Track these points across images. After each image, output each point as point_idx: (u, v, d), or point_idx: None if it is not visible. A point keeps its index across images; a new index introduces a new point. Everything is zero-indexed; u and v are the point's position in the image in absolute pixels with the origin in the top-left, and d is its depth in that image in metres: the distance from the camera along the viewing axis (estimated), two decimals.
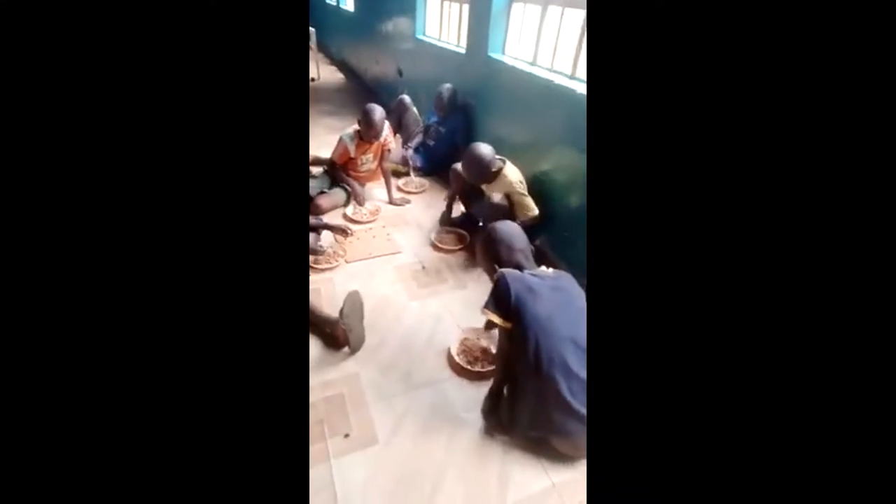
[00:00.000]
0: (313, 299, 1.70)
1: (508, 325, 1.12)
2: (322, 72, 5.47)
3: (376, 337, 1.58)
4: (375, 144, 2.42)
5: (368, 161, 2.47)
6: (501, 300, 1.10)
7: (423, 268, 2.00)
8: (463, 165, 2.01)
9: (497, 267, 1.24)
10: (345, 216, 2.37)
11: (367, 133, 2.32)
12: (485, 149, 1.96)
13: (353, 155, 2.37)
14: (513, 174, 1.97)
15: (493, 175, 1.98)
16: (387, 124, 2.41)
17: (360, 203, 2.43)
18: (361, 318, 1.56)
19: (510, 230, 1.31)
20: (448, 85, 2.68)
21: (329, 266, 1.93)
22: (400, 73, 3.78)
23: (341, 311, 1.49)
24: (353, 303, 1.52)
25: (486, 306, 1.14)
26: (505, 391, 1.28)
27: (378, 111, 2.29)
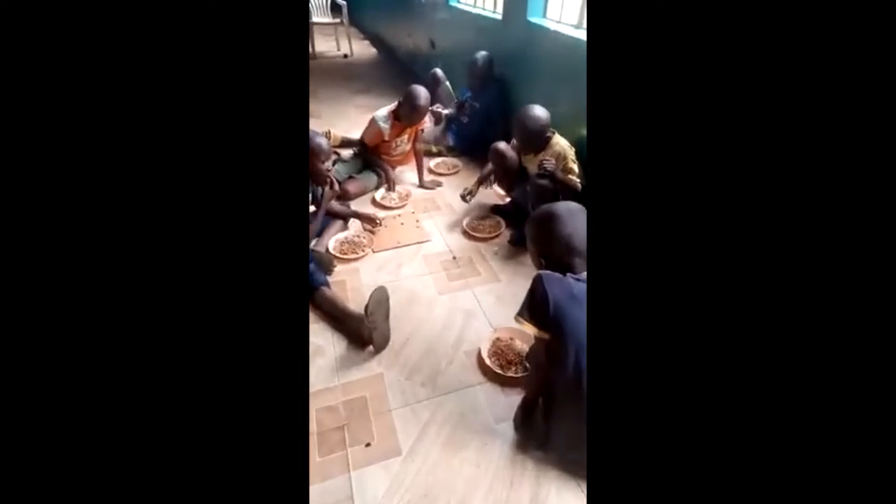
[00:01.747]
0: (337, 292, 1.63)
1: (546, 335, 0.98)
2: (355, 47, 5.33)
3: (402, 334, 1.48)
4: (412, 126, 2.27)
5: (403, 143, 2.34)
6: (538, 308, 0.96)
7: (455, 258, 1.87)
8: (516, 130, 1.81)
9: (542, 262, 1.08)
10: (374, 201, 2.27)
11: (409, 117, 2.17)
12: (541, 111, 1.77)
13: (387, 138, 2.23)
14: (563, 141, 1.78)
15: (545, 142, 1.79)
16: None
17: (392, 188, 2.31)
18: (387, 315, 1.47)
19: (574, 221, 1.06)
20: (483, 53, 2.46)
21: (356, 256, 1.84)
22: (433, 44, 3.57)
23: (366, 308, 1.40)
24: (379, 299, 1.43)
25: (521, 314, 1.00)
26: (540, 402, 1.15)
27: (423, 94, 2.13)
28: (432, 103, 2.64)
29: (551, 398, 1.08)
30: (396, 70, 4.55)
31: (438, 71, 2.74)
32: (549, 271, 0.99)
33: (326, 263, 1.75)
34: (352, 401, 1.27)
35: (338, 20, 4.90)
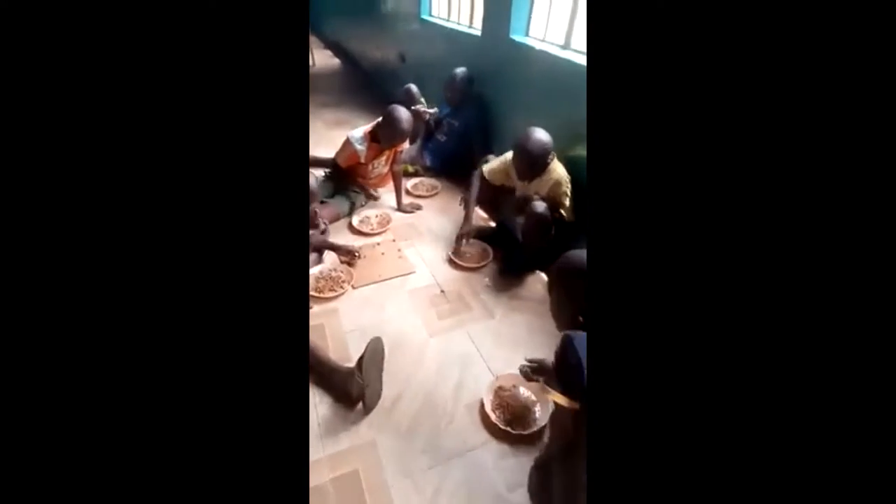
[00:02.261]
0: (316, 340, 1.44)
1: (576, 405, 0.86)
2: (317, 57, 5.10)
3: (393, 388, 1.32)
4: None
5: (380, 166, 2.18)
6: (571, 377, 0.84)
7: (443, 292, 1.72)
8: (518, 154, 1.65)
9: (580, 320, 0.95)
10: (350, 227, 2.09)
11: (389, 140, 2.01)
12: (544, 135, 1.63)
13: (363, 160, 2.06)
14: (561, 168, 1.68)
15: (545, 167, 1.67)
16: None
17: (371, 196, 2.17)
18: (381, 370, 1.30)
19: None
20: (462, 69, 2.35)
21: (334, 294, 1.66)
22: (403, 58, 3.44)
23: (359, 363, 1.23)
24: (375, 353, 1.26)
25: (549, 382, 0.88)
26: (555, 464, 1.03)
27: (405, 117, 1.97)
28: None
29: (574, 471, 0.96)
30: (363, 82, 4.38)
31: (413, 87, 2.61)
32: (577, 332, 0.88)
33: None
34: (342, 477, 1.09)
35: None
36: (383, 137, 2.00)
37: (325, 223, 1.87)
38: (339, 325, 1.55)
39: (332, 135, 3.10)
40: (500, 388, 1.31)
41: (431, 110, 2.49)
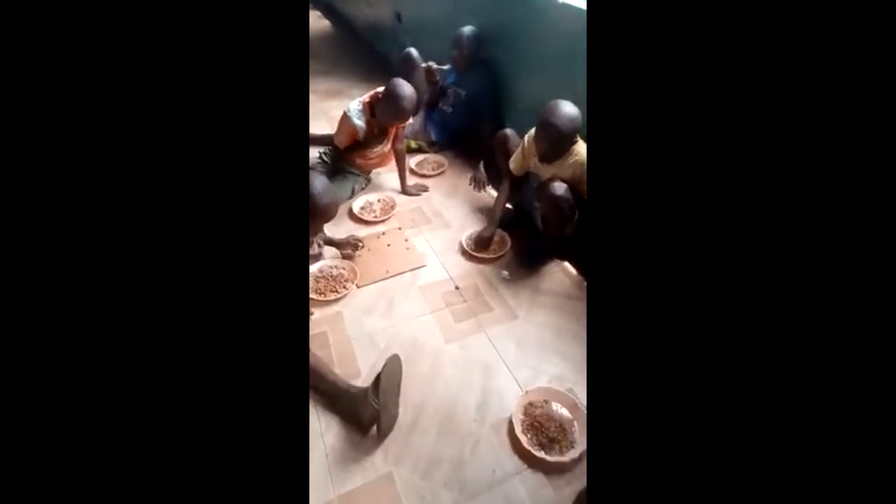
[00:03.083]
0: (318, 352, 1.28)
1: None
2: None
3: (409, 407, 1.17)
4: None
5: (381, 144, 1.94)
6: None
7: (457, 288, 1.55)
8: (542, 131, 1.42)
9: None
10: (351, 214, 1.89)
11: (390, 116, 1.76)
12: (573, 109, 1.38)
13: (361, 137, 1.83)
14: (584, 149, 1.47)
15: (568, 147, 1.46)
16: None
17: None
18: (398, 391, 1.15)
19: None
20: (470, 28, 2.07)
21: (336, 295, 1.48)
22: (399, 18, 3.10)
23: (375, 385, 1.08)
24: (393, 375, 1.10)
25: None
26: None
27: (408, 92, 1.71)
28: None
29: None
30: (356, 46, 4.02)
31: (413, 51, 2.32)
32: None
33: None
34: None
35: None
36: (382, 113, 1.76)
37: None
38: (344, 331, 1.38)
39: (326, 106, 2.84)
40: (529, 404, 1.16)
41: (445, 67, 2.20)
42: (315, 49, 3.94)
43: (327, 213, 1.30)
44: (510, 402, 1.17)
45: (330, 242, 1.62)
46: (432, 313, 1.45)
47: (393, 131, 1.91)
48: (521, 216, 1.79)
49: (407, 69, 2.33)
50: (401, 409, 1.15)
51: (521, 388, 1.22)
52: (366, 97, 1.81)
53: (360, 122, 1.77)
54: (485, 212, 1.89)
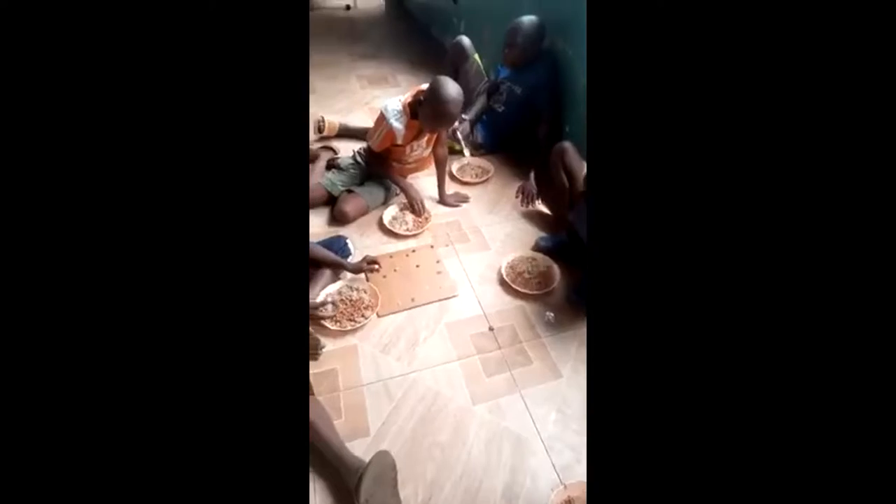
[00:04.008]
0: (324, 398, 1.11)
1: None
2: None
3: (421, 485, 0.97)
4: None
5: (420, 147, 1.72)
6: None
7: (492, 329, 1.33)
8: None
9: None
10: (381, 225, 1.70)
11: (432, 121, 1.52)
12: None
13: (400, 141, 1.61)
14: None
15: None
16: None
17: (418, 212, 1.69)
18: (395, 485, 0.95)
19: None
20: (530, 19, 1.78)
21: (353, 326, 1.31)
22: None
23: (357, 488, 0.89)
24: (380, 475, 0.91)
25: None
26: None
27: (454, 94, 1.44)
28: (456, 77, 1.97)
29: None
30: (407, 28, 3.77)
31: (465, 40, 2.06)
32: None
33: (310, 346, 1.22)
34: None
35: None
36: (424, 117, 1.52)
37: (339, 235, 1.51)
38: (357, 372, 1.21)
39: (368, 95, 2.64)
40: (570, 500, 0.93)
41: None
42: (363, 30, 3.75)
43: None
44: (544, 492, 0.96)
45: (342, 267, 1.41)
46: (459, 361, 1.24)
47: (435, 134, 1.68)
48: (574, 245, 1.52)
49: (456, 59, 2.08)
50: (412, 486, 0.96)
51: (559, 475, 0.99)
52: (407, 96, 1.58)
53: (398, 125, 1.56)
54: (531, 235, 1.64)
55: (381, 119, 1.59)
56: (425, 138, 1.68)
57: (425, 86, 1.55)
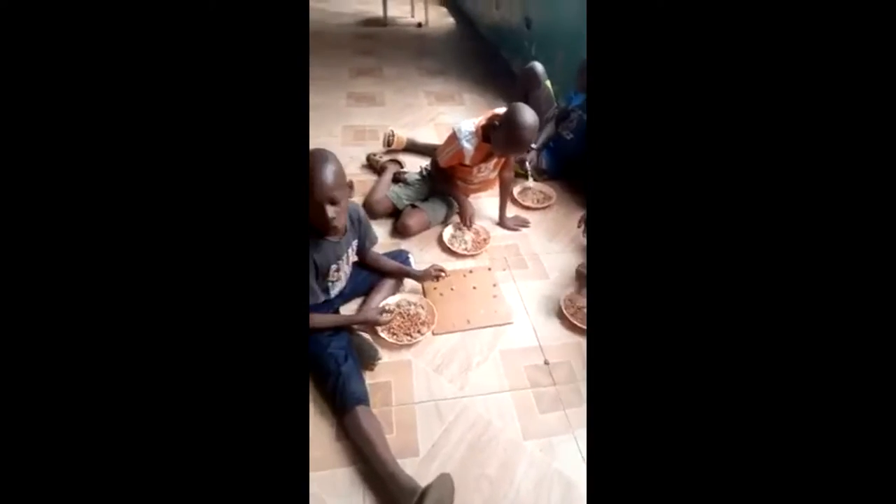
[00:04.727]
0: (378, 409, 1.13)
1: None
2: (431, 14, 4.64)
3: None
4: None
5: (487, 169, 1.74)
6: None
7: (547, 363, 1.30)
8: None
9: None
10: (440, 242, 1.72)
11: (506, 147, 1.52)
12: None
13: (468, 161, 1.64)
14: None
15: None
16: None
17: (468, 225, 1.73)
18: None
19: None
20: None
21: (409, 341, 1.32)
22: (528, 23, 2.85)
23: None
24: (440, 500, 0.90)
25: None
26: None
27: (531, 121, 1.45)
28: (525, 102, 1.97)
29: None
30: (476, 48, 3.85)
31: (538, 66, 2.06)
32: None
33: (368, 355, 1.25)
34: None
35: None
36: (497, 142, 1.53)
37: (402, 249, 1.53)
38: (410, 389, 1.22)
39: (434, 111, 2.71)
40: None
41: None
42: (433, 47, 3.86)
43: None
44: None
45: (408, 274, 1.46)
46: (512, 392, 1.22)
47: (504, 158, 1.69)
48: None
49: (528, 84, 2.09)
50: None
51: None
52: (481, 119, 1.60)
53: (468, 146, 1.58)
54: None
55: (453, 138, 1.62)
56: (493, 161, 1.69)
57: (500, 110, 1.56)
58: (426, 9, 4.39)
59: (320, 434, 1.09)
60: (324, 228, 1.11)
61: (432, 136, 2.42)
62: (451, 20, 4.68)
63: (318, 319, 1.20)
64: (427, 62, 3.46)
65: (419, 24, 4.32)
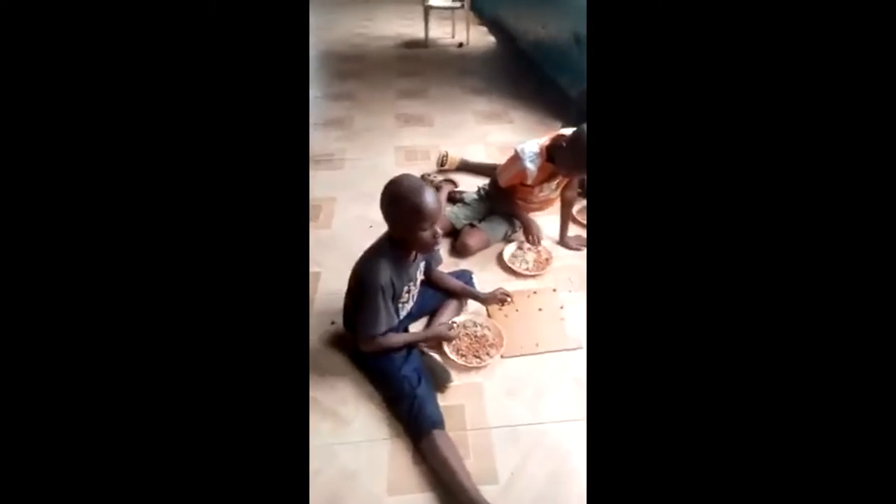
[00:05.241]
0: (454, 434, 1.11)
1: None
2: (471, 34, 4.73)
3: None
4: None
5: (549, 189, 1.73)
6: None
7: None
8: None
9: None
10: (500, 261, 1.71)
11: (573, 168, 1.53)
12: None
13: (530, 182, 1.64)
14: None
15: None
16: None
17: (536, 242, 1.71)
18: None
19: None
20: None
21: (479, 364, 1.31)
22: (577, 39, 2.85)
23: None
24: None
25: None
26: None
27: None
28: (582, 120, 1.96)
29: None
30: (519, 66, 3.88)
31: None
32: None
33: (441, 377, 1.24)
34: None
35: (458, 4, 4.32)
36: (563, 163, 1.52)
37: (464, 269, 1.54)
38: (484, 413, 1.20)
39: (483, 131, 2.73)
40: None
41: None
42: (476, 66, 3.92)
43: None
44: None
45: (473, 296, 1.45)
46: (583, 420, 1.17)
47: (566, 178, 1.67)
48: None
49: (584, 105, 2.07)
50: None
51: None
52: (545, 140, 1.60)
53: (531, 166, 1.57)
54: None
55: (516, 159, 1.62)
56: (556, 181, 1.68)
57: (566, 130, 1.55)
58: (467, 29, 4.48)
59: (398, 457, 1.09)
60: (426, 249, 1.17)
61: (483, 155, 2.44)
62: (491, 39, 4.75)
63: (389, 339, 1.21)
64: (471, 81, 3.51)
65: (460, 45, 4.40)
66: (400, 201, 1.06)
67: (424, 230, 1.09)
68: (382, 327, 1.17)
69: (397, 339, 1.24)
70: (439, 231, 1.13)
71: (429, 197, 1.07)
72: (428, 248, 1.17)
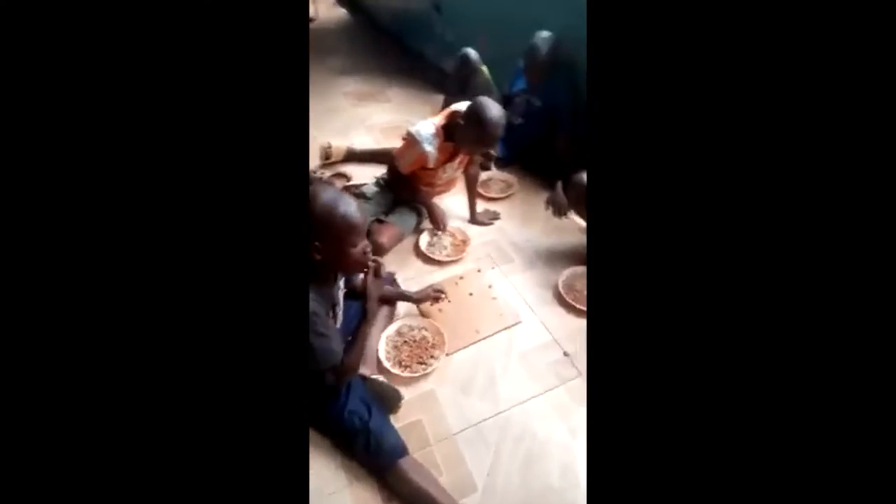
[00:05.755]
0: (418, 454, 1.02)
1: None
2: (320, 7, 4.31)
3: None
4: None
5: (452, 169, 1.65)
6: None
7: (567, 354, 1.29)
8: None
9: None
10: (417, 251, 1.61)
11: (475, 142, 1.44)
12: None
13: (431, 164, 1.53)
14: None
15: None
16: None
17: (443, 228, 1.64)
18: None
19: None
20: (545, 37, 1.75)
21: (425, 369, 1.22)
22: (437, 7, 2.76)
23: None
24: None
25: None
26: None
27: (497, 114, 1.38)
28: (463, 91, 1.91)
29: None
30: (379, 40, 3.66)
31: (472, 53, 2.00)
32: None
33: (391, 399, 1.13)
34: None
35: None
36: (464, 140, 1.45)
37: (387, 272, 1.37)
38: (444, 421, 1.12)
39: (362, 113, 2.53)
40: None
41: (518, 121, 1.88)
42: (333, 43, 3.60)
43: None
44: None
45: (405, 298, 1.34)
46: (545, 394, 1.19)
47: (467, 155, 1.61)
48: None
49: (464, 72, 2.02)
50: None
51: None
52: (439, 119, 1.51)
53: (430, 149, 1.48)
54: (580, 253, 1.62)
55: (413, 143, 1.50)
56: (458, 160, 1.61)
57: (458, 106, 1.48)
58: (314, 1, 4.07)
59: (367, 502, 0.97)
60: (357, 268, 1.00)
61: (369, 140, 2.26)
62: (342, 12, 4.40)
63: (352, 357, 1.03)
64: (331, 60, 3.21)
65: (311, 19, 3.99)
66: (321, 220, 0.86)
67: (355, 245, 0.91)
68: (339, 346, 0.99)
69: (358, 352, 1.05)
70: (368, 244, 0.96)
71: (350, 208, 0.88)
72: (359, 267, 0.99)
